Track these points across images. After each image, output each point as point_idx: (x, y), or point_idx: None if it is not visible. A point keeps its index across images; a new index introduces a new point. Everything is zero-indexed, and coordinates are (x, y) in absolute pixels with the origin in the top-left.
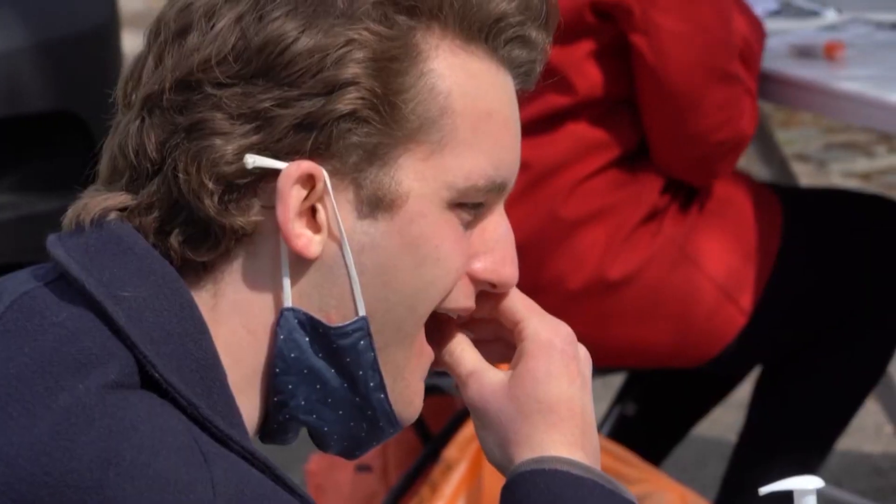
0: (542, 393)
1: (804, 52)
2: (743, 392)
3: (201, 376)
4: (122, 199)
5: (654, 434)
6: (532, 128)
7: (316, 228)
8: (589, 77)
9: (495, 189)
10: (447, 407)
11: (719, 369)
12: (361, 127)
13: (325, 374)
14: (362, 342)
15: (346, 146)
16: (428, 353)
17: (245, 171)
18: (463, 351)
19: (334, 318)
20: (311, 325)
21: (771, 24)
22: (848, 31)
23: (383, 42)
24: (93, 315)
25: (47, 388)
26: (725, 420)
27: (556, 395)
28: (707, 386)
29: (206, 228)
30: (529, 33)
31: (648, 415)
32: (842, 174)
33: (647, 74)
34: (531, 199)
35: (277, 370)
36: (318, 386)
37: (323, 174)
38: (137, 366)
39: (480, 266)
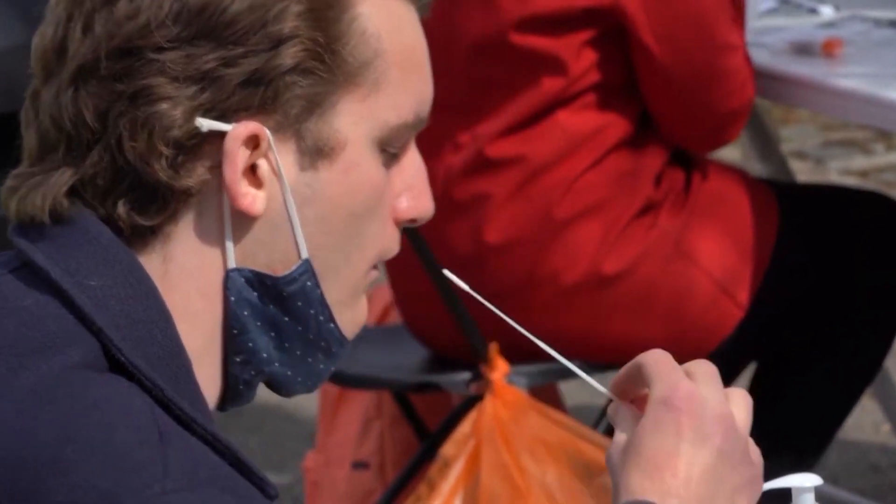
0: (644, 445)
1: (802, 50)
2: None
3: (167, 363)
4: (65, 177)
5: None
6: (525, 122)
7: (258, 185)
8: (584, 60)
9: (420, 124)
10: (444, 404)
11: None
12: (306, 78)
13: (279, 321)
14: (309, 283)
15: (290, 98)
16: (372, 275)
17: (193, 134)
18: (619, 417)
19: (278, 270)
20: (259, 280)
21: (769, 22)
22: (846, 28)
23: None
24: (58, 302)
25: (10, 368)
26: None
27: (657, 446)
28: None
29: (153, 192)
30: None
31: None
32: (839, 171)
33: (652, 63)
34: (525, 195)
35: (235, 331)
36: (273, 334)
37: (267, 134)
38: (103, 351)
39: (404, 204)
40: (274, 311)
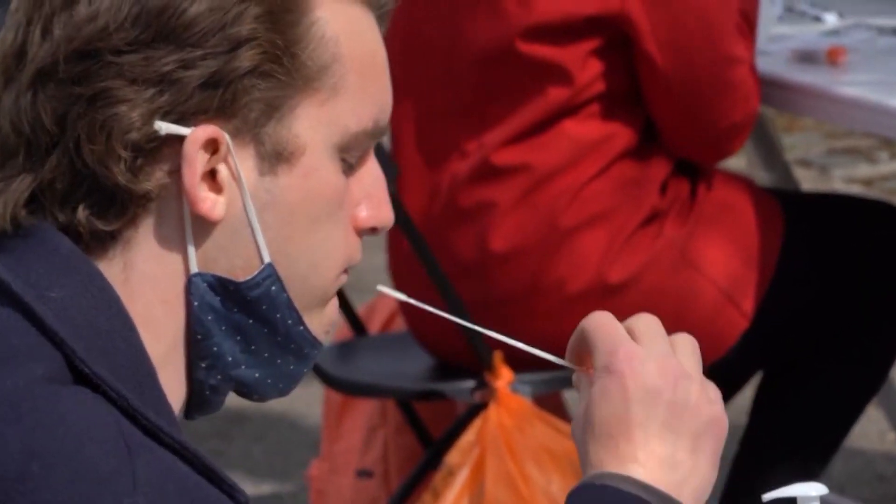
0: (595, 416)
1: (806, 58)
2: (744, 398)
3: (131, 373)
4: (25, 184)
5: None
6: (531, 130)
7: (218, 190)
8: (590, 70)
9: (379, 133)
10: (449, 412)
11: (722, 374)
12: (264, 81)
13: (244, 325)
14: (273, 287)
15: (248, 102)
16: (342, 280)
17: (152, 137)
18: (580, 389)
19: (241, 275)
20: (221, 285)
21: (773, 30)
22: (850, 36)
23: None
24: (19, 315)
25: None
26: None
27: (607, 414)
28: None
29: (111, 196)
30: None
31: None
32: (844, 180)
33: (654, 72)
34: (530, 203)
35: (199, 336)
36: (238, 338)
37: (226, 138)
38: (67, 363)
39: (364, 214)
40: (238, 315)
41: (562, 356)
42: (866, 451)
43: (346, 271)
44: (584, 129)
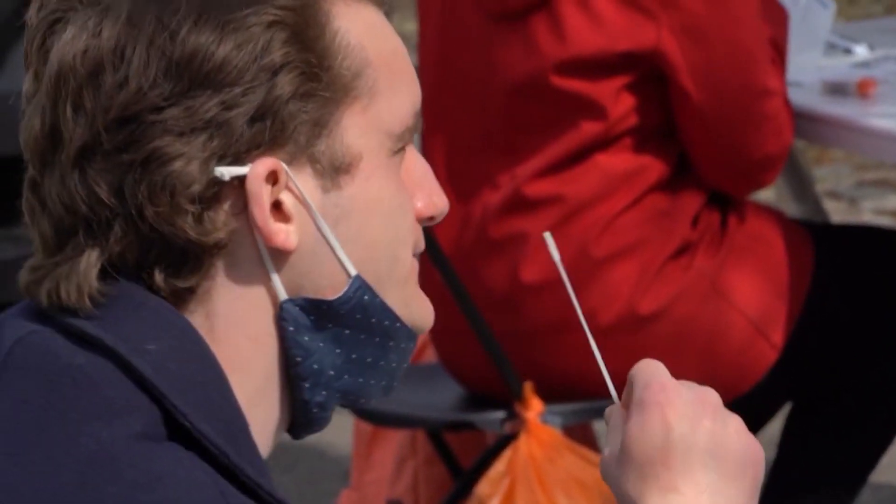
0: (634, 449)
1: (836, 90)
2: (773, 428)
3: (227, 426)
4: (93, 259)
5: None
6: (564, 162)
7: (286, 219)
8: (623, 105)
9: (417, 123)
10: (478, 443)
11: (750, 405)
12: (308, 102)
13: (342, 337)
14: (366, 297)
15: (297, 126)
16: (416, 264)
17: (212, 184)
18: (611, 424)
19: (330, 293)
20: (313, 306)
21: (804, 61)
22: (880, 68)
23: (296, 15)
24: (113, 366)
25: (68, 434)
26: None
27: (648, 445)
28: None
29: (183, 253)
30: None
31: None
32: (873, 211)
33: (689, 106)
34: (562, 234)
35: (299, 359)
36: (338, 351)
37: (283, 166)
38: (163, 417)
39: (420, 204)
40: (335, 329)
41: (596, 386)
42: (894, 484)
43: (415, 256)
44: (617, 161)
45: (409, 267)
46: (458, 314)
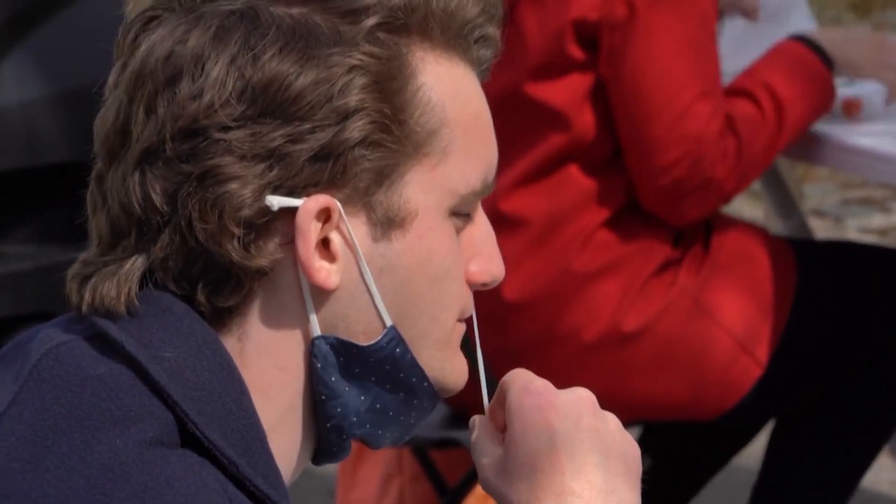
0: (520, 454)
1: None
2: (758, 444)
3: (242, 436)
4: (137, 265)
5: (669, 488)
6: (535, 174)
7: (331, 258)
8: (587, 116)
9: (487, 189)
10: (464, 460)
11: (735, 422)
12: (374, 151)
13: (369, 385)
14: (398, 349)
15: (358, 172)
16: (460, 328)
17: (264, 212)
18: (480, 438)
19: (363, 339)
20: (345, 348)
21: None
22: (865, 87)
23: (381, 64)
24: (132, 374)
25: (84, 441)
26: (740, 473)
27: (533, 449)
28: (722, 439)
29: (226, 273)
30: (490, 32)
31: (663, 469)
32: (858, 229)
33: (620, 83)
34: (542, 252)
35: (323, 397)
36: (362, 398)
37: (338, 206)
38: (177, 425)
39: (475, 269)
40: (362, 375)
41: None
42: (878, 500)
43: (461, 320)
44: (589, 175)
45: (450, 330)
46: None
